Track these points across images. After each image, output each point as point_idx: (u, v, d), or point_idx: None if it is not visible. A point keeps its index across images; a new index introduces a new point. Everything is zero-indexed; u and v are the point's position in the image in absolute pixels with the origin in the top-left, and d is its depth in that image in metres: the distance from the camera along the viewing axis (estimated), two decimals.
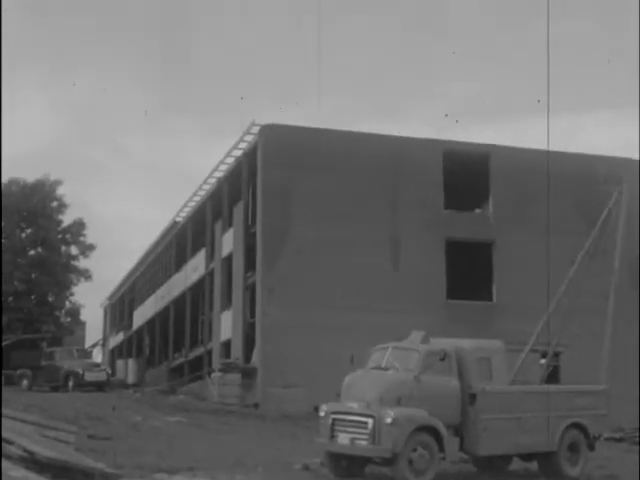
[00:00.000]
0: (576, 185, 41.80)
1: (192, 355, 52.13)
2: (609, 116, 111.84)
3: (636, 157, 41.51)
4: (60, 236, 61.96)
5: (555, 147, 40.21)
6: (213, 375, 41.56)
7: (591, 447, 20.86)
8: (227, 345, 43.88)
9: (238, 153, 42.95)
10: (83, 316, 67.03)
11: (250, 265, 40.77)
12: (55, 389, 42.07)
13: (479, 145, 41.95)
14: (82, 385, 41.73)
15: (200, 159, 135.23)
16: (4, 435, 15.98)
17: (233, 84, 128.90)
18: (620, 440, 33.45)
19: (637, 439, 34.01)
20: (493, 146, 41.99)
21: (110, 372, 49.32)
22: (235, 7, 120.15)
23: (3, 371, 42.91)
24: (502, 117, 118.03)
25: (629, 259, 35.31)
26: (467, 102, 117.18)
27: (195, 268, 51.81)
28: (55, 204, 61.13)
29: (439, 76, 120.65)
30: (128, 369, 62.86)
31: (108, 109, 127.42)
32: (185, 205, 53.87)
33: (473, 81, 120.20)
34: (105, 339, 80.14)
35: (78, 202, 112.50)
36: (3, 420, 17.66)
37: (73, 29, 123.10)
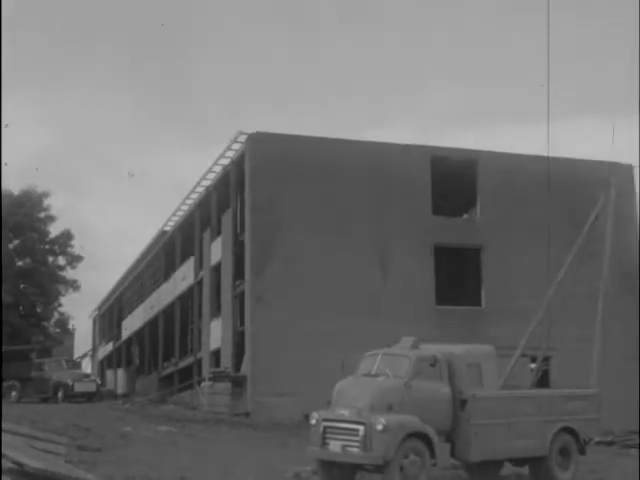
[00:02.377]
0: (564, 189, 41.86)
1: (182, 364, 52.02)
2: (597, 121, 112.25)
3: (623, 161, 41.74)
4: (48, 247, 61.87)
5: (543, 152, 40.39)
6: (203, 384, 41.46)
7: (582, 451, 20.84)
8: (217, 354, 43.81)
9: (226, 162, 42.94)
10: (72, 327, 66.92)
11: (239, 273, 40.71)
12: (45, 400, 41.88)
13: (466, 151, 42.02)
14: (72, 396, 41.59)
15: (189, 169, 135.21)
16: None
17: (221, 94, 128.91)
18: (611, 444, 33.46)
19: (629, 442, 34.05)
20: (480, 152, 42.06)
21: (100, 382, 49.22)
22: (222, 20, 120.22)
23: None
24: (489, 123, 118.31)
25: (618, 263, 35.44)
26: (454, 109, 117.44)
27: (184, 277, 51.74)
28: (43, 215, 61.05)
29: (427, 82, 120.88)
30: (117, 379, 62.77)
31: (96, 121, 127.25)
32: (173, 214, 53.84)
33: (460, 88, 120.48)
34: (94, 349, 79.96)
35: (67, 214, 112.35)
36: None
37: (60, 43, 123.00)
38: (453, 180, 41.68)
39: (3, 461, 15.21)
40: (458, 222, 42.47)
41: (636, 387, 40.33)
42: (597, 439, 24.72)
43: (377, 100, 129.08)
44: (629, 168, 41.73)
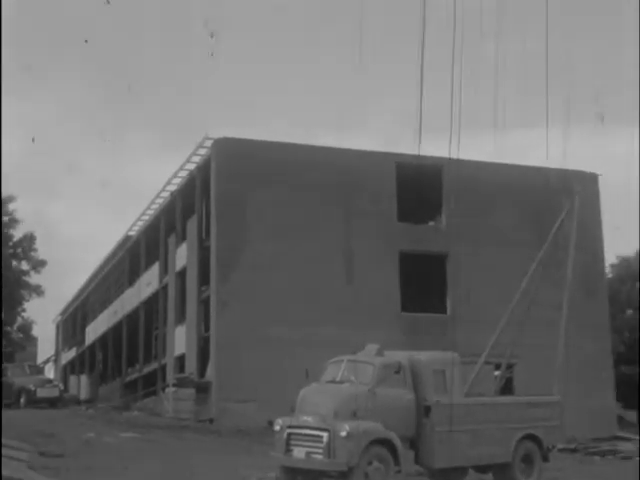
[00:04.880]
0: (529, 197, 42.18)
1: (146, 370, 51.70)
2: (561, 130, 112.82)
3: (587, 170, 42.07)
4: (11, 251, 61.35)
5: (508, 160, 40.63)
6: (167, 390, 41.24)
7: (545, 458, 20.96)
8: (181, 360, 43.58)
9: (192, 167, 42.78)
10: (35, 332, 66.40)
11: (204, 279, 40.56)
12: (7, 406, 41.46)
13: (432, 158, 41.98)
14: (34, 402, 41.21)
15: (155, 174, 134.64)
16: None
17: (187, 100, 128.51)
18: (574, 451, 33.71)
19: (592, 450, 34.30)
20: (446, 159, 41.96)
21: (63, 388, 48.78)
22: (187, 24, 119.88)
23: None
24: (455, 131, 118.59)
25: (582, 270, 35.69)
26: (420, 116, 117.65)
27: (149, 282, 51.46)
28: (6, 219, 60.55)
29: (393, 90, 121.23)
30: (81, 385, 62.25)
31: (62, 127, 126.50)
32: (138, 219, 53.54)
33: (426, 95, 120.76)
34: (57, 355, 79.31)
35: (32, 218, 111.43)
36: None
37: (24, 46, 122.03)
38: (419, 187, 41.75)
39: None
40: (424, 229, 42.57)
41: (599, 394, 40.65)
42: (560, 446, 24.89)
43: (343, 106, 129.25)
44: (593, 176, 42.04)
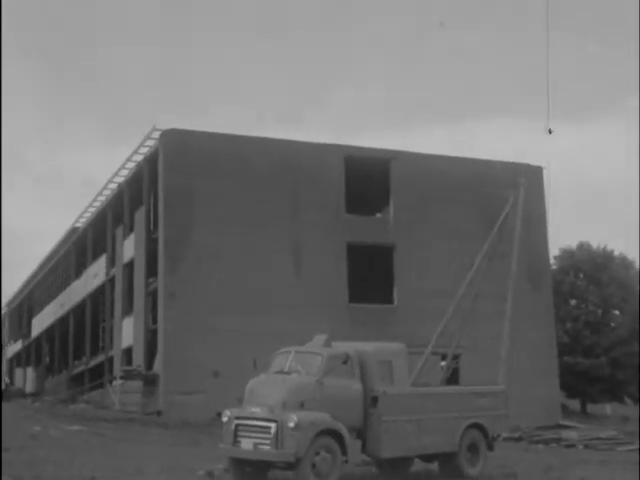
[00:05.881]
0: (475, 189, 42.59)
1: (93, 363, 51.42)
2: (508, 123, 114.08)
3: (533, 163, 42.58)
4: None
5: (455, 152, 40.95)
6: (114, 383, 41.07)
7: (490, 447, 21.21)
8: (128, 352, 43.42)
9: (139, 158, 42.58)
10: None
11: (152, 271, 40.42)
12: None
13: (379, 150, 42.35)
14: None
15: (102, 165, 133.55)
16: None
17: (135, 90, 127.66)
18: (519, 439, 34.16)
19: (536, 438, 34.79)
20: (393, 151, 42.43)
21: (8, 381, 48.36)
22: (139, 16, 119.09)
23: None
24: (403, 124, 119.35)
25: (527, 262, 36.14)
26: (369, 108, 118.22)
27: (95, 274, 51.16)
28: None
29: (341, 82, 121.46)
30: (27, 378, 61.65)
31: (7, 117, 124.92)
32: (85, 211, 53.16)
33: (375, 88, 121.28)
34: (2, 347, 78.43)
35: None
36: None
37: None
38: (367, 179, 42.00)
39: None
40: (371, 221, 42.82)
41: (543, 384, 41.21)
42: (505, 435, 25.18)
43: (291, 99, 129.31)
44: (538, 170, 42.55)
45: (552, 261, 49.06)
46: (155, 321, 39.86)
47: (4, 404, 39.17)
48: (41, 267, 67.30)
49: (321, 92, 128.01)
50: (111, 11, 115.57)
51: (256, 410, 18.03)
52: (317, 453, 17.71)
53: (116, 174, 45.59)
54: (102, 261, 50.04)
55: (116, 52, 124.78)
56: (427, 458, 21.01)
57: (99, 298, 51.87)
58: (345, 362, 18.82)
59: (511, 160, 43.39)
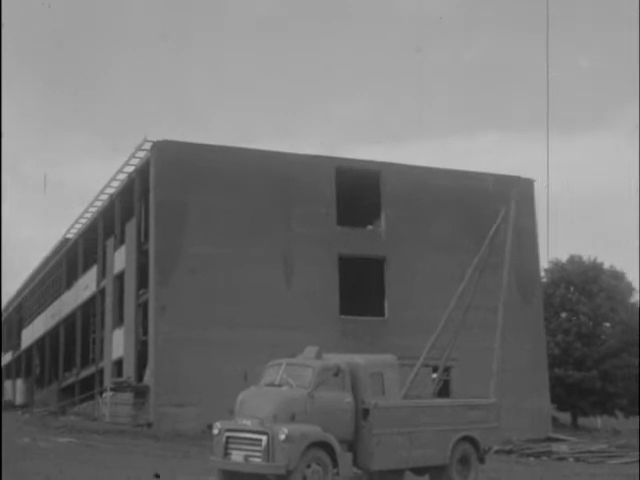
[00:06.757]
0: (466, 202, 42.66)
1: (83, 374, 51.26)
2: (499, 137, 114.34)
3: (523, 175, 42.67)
4: None
5: (446, 165, 40.99)
6: (105, 394, 40.93)
7: (481, 460, 21.17)
8: (119, 364, 43.30)
9: (131, 170, 42.54)
10: None
11: (143, 283, 40.35)
12: None
13: (371, 162, 42.42)
14: None
15: (94, 176, 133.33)
16: None
17: (127, 102, 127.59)
18: (510, 452, 34.16)
19: (527, 451, 34.78)
20: (384, 164, 42.51)
21: None
22: (135, 26, 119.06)
23: None
24: (392, 137, 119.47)
25: (517, 274, 36.19)
26: (358, 123, 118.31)
27: (86, 286, 51.03)
28: None
29: (331, 96, 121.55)
30: (16, 390, 61.49)
31: (4, 128, 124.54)
32: (76, 222, 53.08)
33: (363, 102, 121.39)
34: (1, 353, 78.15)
35: None
36: None
37: None
38: (358, 191, 42.05)
39: None
40: (362, 233, 42.82)
41: (534, 397, 41.19)
42: (496, 448, 25.18)
43: (283, 112, 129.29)
44: (529, 182, 42.64)
45: (542, 274, 49.14)
46: (146, 333, 39.76)
47: None
48: (31, 278, 67.13)
49: (313, 106, 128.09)
50: (108, 22, 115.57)
51: (247, 422, 18.00)
52: (308, 466, 17.69)
53: (107, 185, 45.53)
54: (93, 272, 49.93)
55: (113, 62, 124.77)
56: (418, 471, 20.95)
57: (90, 309, 51.74)
58: (336, 374, 18.81)
59: (502, 173, 43.51)
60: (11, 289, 73.24)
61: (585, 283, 50.38)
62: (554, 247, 71.66)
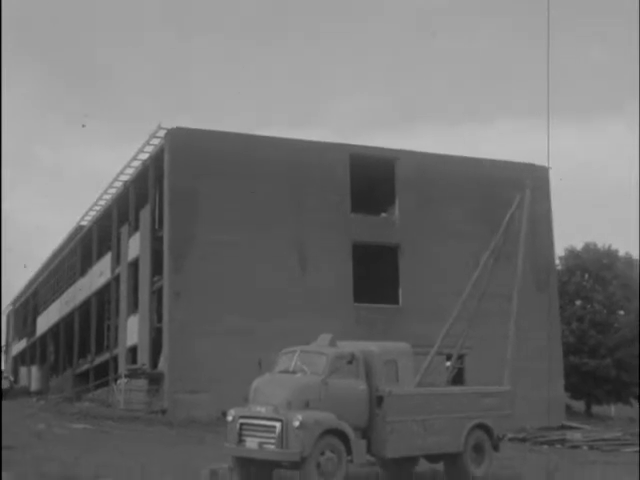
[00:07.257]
0: (481, 190, 42.55)
1: (98, 361, 51.44)
2: (513, 124, 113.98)
3: (538, 163, 42.46)
4: None
5: (460, 153, 40.84)
6: (119, 381, 41.05)
7: (496, 447, 21.15)
8: (133, 351, 43.42)
9: (145, 157, 42.57)
10: None
11: (157, 269, 40.41)
12: None
13: (385, 150, 42.32)
14: None
15: (109, 163, 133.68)
16: None
17: (142, 89, 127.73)
18: (524, 440, 34.09)
19: (541, 439, 34.73)
20: (399, 151, 42.40)
21: (13, 380, 48.40)
22: (144, 17, 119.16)
23: None
24: (407, 126, 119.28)
25: (532, 262, 36.07)
26: (373, 111, 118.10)
27: (101, 273, 51.16)
28: None
29: (348, 86, 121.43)
30: (31, 376, 61.73)
31: (14, 115, 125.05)
32: (90, 209, 53.21)
33: (381, 90, 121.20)
34: (7, 346, 78.51)
35: None
36: None
37: None
38: (372, 179, 41.97)
39: None
40: (376, 220, 42.76)
41: (548, 384, 41.08)
42: (510, 435, 25.15)
43: (297, 101, 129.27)
44: (544, 170, 42.47)
45: (557, 261, 48.98)
46: (160, 319, 39.85)
47: (9, 402, 39.20)
48: (46, 265, 67.36)
49: (328, 95, 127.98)
50: (123, 11, 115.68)
51: (261, 409, 18.02)
52: (322, 453, 17.69)
53: (122, 172, 45.60)
54: (107, 259, 50.04)
55: (129, 51, 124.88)
56: (432, 458, 20.96)
57: (104, 296, 51.88)
58: (350, 362, 18.79)
59: (516, 160, 43.37)
60: (26, 276, 73.59)
61: (599, 270, 50.18)
62: (570, 235, 71.46)
